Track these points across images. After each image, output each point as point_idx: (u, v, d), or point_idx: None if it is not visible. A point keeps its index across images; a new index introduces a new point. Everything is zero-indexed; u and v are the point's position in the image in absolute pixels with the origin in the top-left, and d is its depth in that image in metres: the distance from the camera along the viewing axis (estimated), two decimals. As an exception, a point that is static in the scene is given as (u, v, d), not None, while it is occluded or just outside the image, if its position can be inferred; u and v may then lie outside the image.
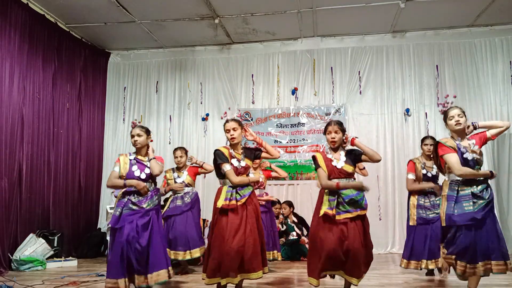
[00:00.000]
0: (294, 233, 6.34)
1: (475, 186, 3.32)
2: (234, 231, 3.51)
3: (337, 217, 3.43)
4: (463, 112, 3.45)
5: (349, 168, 3.54)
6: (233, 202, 3.58)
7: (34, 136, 5.97)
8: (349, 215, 3.44)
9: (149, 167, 3.81)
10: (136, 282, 3.65)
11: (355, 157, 3.59)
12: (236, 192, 3.61)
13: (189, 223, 4.94)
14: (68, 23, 6.76)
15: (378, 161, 3.58)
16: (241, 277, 3.56)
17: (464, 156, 3.33)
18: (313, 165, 3.73)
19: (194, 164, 5.24)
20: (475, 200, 3.29)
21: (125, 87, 7.95)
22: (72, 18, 6.59)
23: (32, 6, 5.99)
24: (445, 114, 3.54)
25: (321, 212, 3.47)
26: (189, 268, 5.20)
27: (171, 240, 4.86)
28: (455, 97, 3.48)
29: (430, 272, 4.69)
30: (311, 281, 3.52)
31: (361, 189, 3.49)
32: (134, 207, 3.70)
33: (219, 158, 3.69)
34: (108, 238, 6.05)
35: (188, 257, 4.87)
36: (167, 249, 4.79)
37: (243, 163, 3.73)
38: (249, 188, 3.69)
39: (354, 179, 3.63)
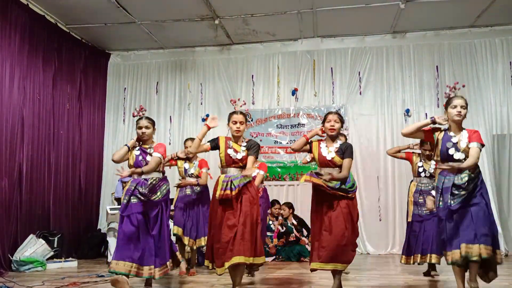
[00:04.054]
0: (294, 234, 6.34)
1: (459, 176, 3.31)
2: (226, 221, 3.66)
3: (314, 180, 3.65)
4: (466, 105, 3.43)
5: (338, 160, 3.72)
6: (227, 192, 3.69)
7: (34, 137, 5.97)
8: (333, 190, 3.63)
9: (151, 154, 3.90)
10: (142, 272, 3.70)
11: (343, 154, 3.74)
12: (231, 182, 3.71)
13: (198, 212, 5.07)
14: (68, 24, 6.77)
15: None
16: (233, 260, 3.57)
17: (449, 152, 3.34)
18: (314, 166, 3.83)
19: (203, 156, 5.28)
20: (456, 192, 3.29)
21: (125, 88, 7.95)
22: (72, 19, 6.59)
23: (32, 7, 5.99)
24: (448, 100, 3.48)
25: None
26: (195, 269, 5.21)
27: (186, 226, 5.00)
28: (464, 86, 3.47)
29: (428, 273, 4.71)
30: (312, 265, 3.71)
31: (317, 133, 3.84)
32: (143, 198, 3.78)
33: (210, 141, 3.89)
34: (108, 239, 6.07)
35: (197, 244, 5.01)
36: (187, 237, 4.97)
37: (239, 155, 3.80)
38: (244, 179, 3.77)
39: None
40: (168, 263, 3.86)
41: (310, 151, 3.88)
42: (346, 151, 3.72)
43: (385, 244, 6.79)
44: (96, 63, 7.63)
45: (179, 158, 5.15)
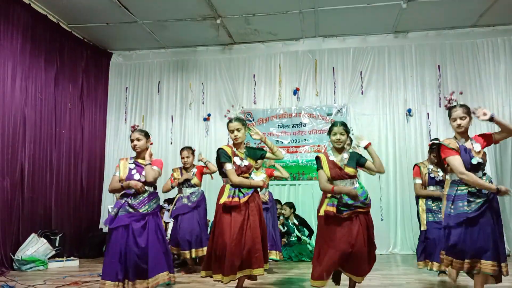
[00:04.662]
0: (295, 234, 6.33)
1: (473, 186, 3.29)
2: (236, 229, 3.58)
3: (338, 214, 3.45)
4: (467, 112, 3.41)
5: (351, 171, 3.58)
6: (236, 199, 3.63)
7: (36, 136, 5.98)
8: (350, 212, 3.46)
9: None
10: (136, 286, 3.62)
11: (358, 161, 3.64)
12: (239, 191, 3.67)
13: (194, 221, 5.03)
14: (70, 24, 6.78)
15: (382, 173, 3.59)
16: (241, 273, 3.59)
17: (472, 161, 3.27)
18: (315, 165, 3.76)
19: (200, 162, 5.30)
20: (471, 199, 3.25)
21: (127, 88, 7.96)
22: (74, 18, 6.60)
23: (35, 6, 6.01)
24: (448, 112, 3.50)
25: (321, 212, 3.51)
26: (196, 267, 5.22)
27: (178, 239, 4.96)
28: (461, 93, 3.47)
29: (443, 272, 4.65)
30: (316, 284, 3.48)
31: (354, 198, 3.44)
32: (131, 210, 3.71)
33: (222, 157, 3.75)
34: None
35: (193, 255, 4.96)
36: (177, 248, 4.92)
37: (245, 162, 3.79)
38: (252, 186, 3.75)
39: (357, 179, 3.67)
40: (166, 273, 3.73)
41: (319, 167, 3.67)
42: (360, 158, 3.64)
43: (386, 244, 6.76)
44: (98, 63, 7.64)
45: (180, 184, 5.20)
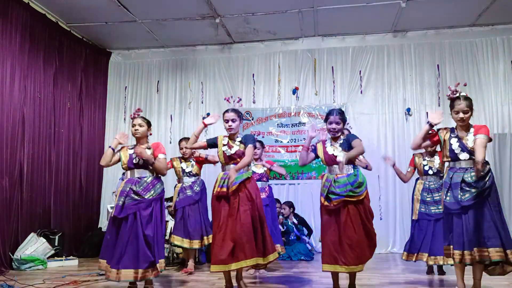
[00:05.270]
0: (294, 233, 6.34)
1: (468, 175, 3.32)
2: (223, 218, 3.68)
3: (326, 204, 3.60)
4: (470, 105, 3.42)
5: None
6: (224, 189, 3.72)
7: (35, 136, 5.97)
8: (339, 200, 3.55)
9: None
10: (119, 276, 3.62)
11: (349, 144, 3.71)
12: (228, 179, 3.73)
13: (201, 211, 5.13)
14: (69, 23, 6.77)
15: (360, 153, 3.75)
16: (236, 266, 3.61)
17: (455, 152, 3.37)
18: (314, 165, 3.85)
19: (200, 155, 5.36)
20: (467, 188, 3.29)
21: (126, 87, 7.95)
22: (73, 17, 6.58)
23: (33, 5, 5.99)
24: (451, 103, 3.50)
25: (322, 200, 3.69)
26: (194, 266, 5.24)
27: (189, 230, 5.01)
28: (465, 85, 3.50)
29: (430, 270, 4.70)
30: (325, 268, 3.61)
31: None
32: (137, 197, 3.74)
33: (209, 139, 4.02)
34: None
35: (206, 243, 5.05)
36: (183, 239, 4.99)
37: (233, 150, 3.84)
38: (241, 176, 3.76)
39: (356, 166, 3.73)
40: (163, 260, 3.78)
41: (316, 156, 3.84)
42: (349, 139, 3.68)
43: (385, 243, 6.77)
44: (97, 62, 7.63)
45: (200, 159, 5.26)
